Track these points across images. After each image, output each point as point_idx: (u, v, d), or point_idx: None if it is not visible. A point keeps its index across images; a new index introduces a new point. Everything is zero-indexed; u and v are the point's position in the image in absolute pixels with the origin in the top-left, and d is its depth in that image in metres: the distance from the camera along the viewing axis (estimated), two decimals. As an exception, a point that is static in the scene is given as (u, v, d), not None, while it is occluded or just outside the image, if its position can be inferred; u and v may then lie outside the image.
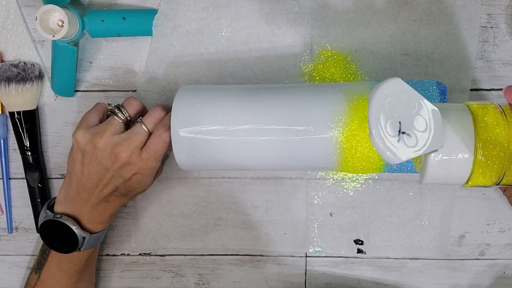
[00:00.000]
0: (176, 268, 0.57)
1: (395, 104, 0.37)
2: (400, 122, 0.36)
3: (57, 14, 0.48)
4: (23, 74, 0.52)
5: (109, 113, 0.49)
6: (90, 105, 0.54)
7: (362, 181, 0.55)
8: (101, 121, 0.49)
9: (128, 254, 0.57)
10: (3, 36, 0.53)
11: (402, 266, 0.57)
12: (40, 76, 0.53)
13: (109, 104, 0.49)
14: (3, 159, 0.55)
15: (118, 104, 0.48)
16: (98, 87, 0.55)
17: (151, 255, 0.57)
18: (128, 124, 0.48)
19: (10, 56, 0.54)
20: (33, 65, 0.52)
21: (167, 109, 0.48)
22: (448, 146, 0.38)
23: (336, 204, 0.55)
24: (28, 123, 0.53)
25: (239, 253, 0.57)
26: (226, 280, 0.58)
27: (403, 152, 0.36)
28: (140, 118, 0.47)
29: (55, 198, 0.50)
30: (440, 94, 0.45)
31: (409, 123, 0.37)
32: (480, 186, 0.41)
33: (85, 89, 0.55)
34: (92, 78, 0.55)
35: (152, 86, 0.54)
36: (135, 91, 0.54)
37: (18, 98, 0.52)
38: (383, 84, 0.37)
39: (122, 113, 0.47)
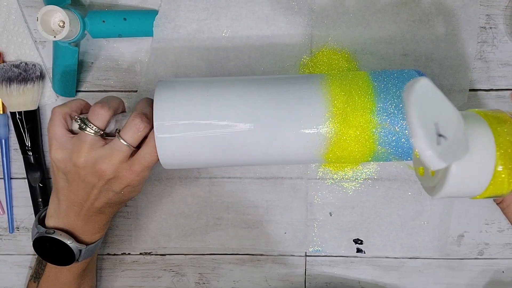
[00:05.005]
0: (176, 267, 0.58)
1: (427, 106, 0.34)
2: (436, 124, 0.33)
3: (58, 15, 0.48)
4: (24, 74, 0.52)
5: (79, 126, 0.43)
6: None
7: (362, 181, 0.55)
8: (69, 128, 0.45)
9: (128, 254, 0.58)
10: (4, 37, 0.53)
11: (402, 266, 0.57)
12: (41, 77, 0.53)
13: (75, 118, 0.44)
14: (4, 159, 0.55)
15: (83, 118, 0.43)
16: (99, 87, 0.55)
17: (152, 254, 0.58)
18: (105, 133, 0.44)
19: (12, 57, 0.54)
20: (34, 65, 0.52)
21: (148, 120, 0.43)
22: (469, 155, 0.35)
23: (335, 204, 0.56)
24: (29, 123, 0.53)
25: (239, 253, 0.57)
26: (226, 280, 0.58)
27: (444, 156, 0.32)
28: (118, 131, 0.43)
29: (45, 209, 0.48)
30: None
31: (441, 126, 0.34)
32: (494, 196, 0.39)
33: (86, 89, 0.55)
34: (93, 78, 0.55)
35: (153, 87, 0.54)
36: (136, 91, 0.55)
37: (19, 98, 0.52)
38: (417, 83, 0.34)
39: (90, 128, 0.42)
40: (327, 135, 0.42)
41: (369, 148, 0.43)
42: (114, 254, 0.58)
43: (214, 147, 0.42)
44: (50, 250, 0.46)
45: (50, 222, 0.47)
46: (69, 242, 0.45)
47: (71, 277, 0.49)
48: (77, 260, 0.47)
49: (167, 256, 0.58)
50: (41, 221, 0.48)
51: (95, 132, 0.42)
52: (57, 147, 0.43)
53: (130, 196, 0.47)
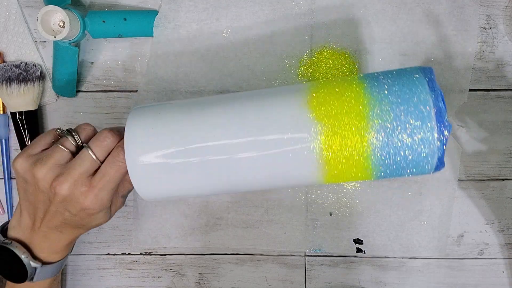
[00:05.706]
0: (176, 267, 0.58)
1: None
2: None
3: (58, 15, 0.48)
4: (24, 74, 0.52)
5: (59, 133, 0.42)
6: (91, 106, 0.55)
7: (362, 181, 0.55)
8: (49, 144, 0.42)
9: (129, 253, 0.58)
10: (5, 37, 0.53)
11: (401, 266, 0.57)
12: (41, 77, 0.53)
13: (59, 129, 0.42)
14: (4, 159, 0.55)
15: (69, 129, 0.42)
16: (99, 87, 0.55)
17: (152, 254, 0.58)
18: (81, 147, 0.41)
19: (12, 57, 0.54)
20: (34, 65, 0.53)
21: (118, 133, 0.41)
22: None
23: (335, 204, 0.56)
24: (30, 124, 0.53)
25: (239, 253, 0.57)
26: (226, 279, 0.58)
27: None
28: (86, 143, 0.41)
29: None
30: (429, 84, 0.36)
31: None
32: None
33: (86, 89, 0.55)
34: (93, 78, 0.55)
35: (153, 87, 0.54)
36: (136, 91, 0.55)
37: (20, 99, 0.52)
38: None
39: (73, 137, 0.41)
40: (325, 148, 0.36)
41: (365, 165, 0.37)
42: (114, 254, 0.58)
43: (197, 175, 0.39)
44: (5, 262, 0.43)
45: (11, 232, 0.44)
46: (23, 256, 0.42)
47: None
48: (31, 279, 0.43)
49: (167, 256, 0.58)
50: (4, 231, 0.45)
51: (74, 145, 0.41)
52: (25, 155, 0.41)
53: (90, 222, 0.43)
